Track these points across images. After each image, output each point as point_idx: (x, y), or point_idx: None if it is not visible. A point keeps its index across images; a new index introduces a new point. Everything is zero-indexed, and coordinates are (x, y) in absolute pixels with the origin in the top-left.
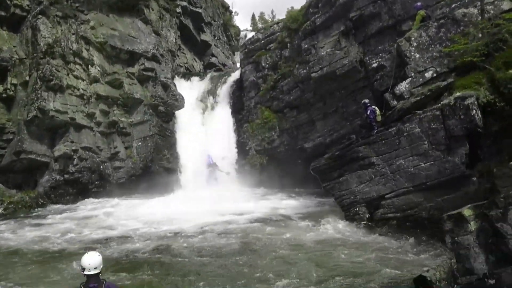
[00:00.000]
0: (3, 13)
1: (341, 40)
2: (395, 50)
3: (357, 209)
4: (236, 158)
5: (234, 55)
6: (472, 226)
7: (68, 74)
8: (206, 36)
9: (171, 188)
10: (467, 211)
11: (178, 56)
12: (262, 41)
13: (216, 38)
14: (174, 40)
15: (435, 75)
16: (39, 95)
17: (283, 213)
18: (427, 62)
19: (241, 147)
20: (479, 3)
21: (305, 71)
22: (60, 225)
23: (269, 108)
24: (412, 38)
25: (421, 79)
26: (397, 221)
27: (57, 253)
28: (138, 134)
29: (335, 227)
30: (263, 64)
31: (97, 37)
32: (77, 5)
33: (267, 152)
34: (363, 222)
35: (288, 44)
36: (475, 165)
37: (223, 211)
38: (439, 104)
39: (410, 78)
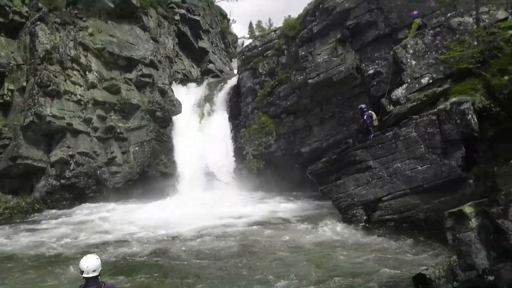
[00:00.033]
0: (1, 20)
1: (338, 47)
2: (391, 57)
3: (354, 211)
4: (234, 166)
5: (232, 61)
6: (473, 223)
7: (65, 80)
8: (203, 43)
9: (168, 192)
10: (468, 209)
11: (175, 62)
12: (260, 48)
13: (213, 45)
14: (172, 47)
15: (431, 81)
16: (36, 101)
17: (282, 216)
18: (423, 68)
19: (238, 152)
20: (474, 13)
21: (302, 77)
22: (55, 230)
23: (266, 113)
24: (409, 46)
25: (417, 85)
26: (395, 222)
27: (53, 257)
28: (135, 139)
29: (333, 229)
30: (260, 71)
31: (95, 44)
32: (76, 12)
33: (264, 157)
34: (361, 224)
35: (285, 51)
36: (471, 168)
37: (221, 215)
38: (435, 109)
39: (406, 84)
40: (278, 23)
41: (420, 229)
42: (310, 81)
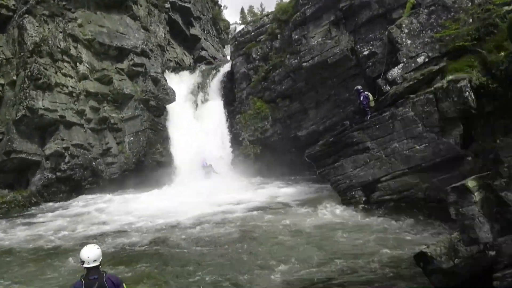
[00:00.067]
0: None
1: (332, 29)
2: (386, 37)
3: (353, 193)
4: (232, 157)
5: (224, 48)
6: (476, 196)
7: (56, 72)
8: (195, 30)
9: (165, 181)
10: (470, 182)
11: (167, 50)
12: (252, 33)
13: (205, 32)
14: (163, 35)
15: (427, 60)
16: (27, 94)
17: (281, 200)
18: (418, 47)
19: (235, 138)
20: None
21: (296, 61)
22: (52, 223)
23: (261, 98)
24: (403, 25)
25: (413, 64)
26: (394, 203)
27: (51, 250)
28: (129, 129)
29: (333, 212)
30: (254, 56)
31: (85, 35)
32: (64, 3)
33: (261, 142)
34: (360, 206)
35: (279, 35)
36: (469, 145)
37: (220, 202)
38: (432, 88)
39: (402, 64)
40: (270, 8)
41: (420, 208)
42: (304, 64)
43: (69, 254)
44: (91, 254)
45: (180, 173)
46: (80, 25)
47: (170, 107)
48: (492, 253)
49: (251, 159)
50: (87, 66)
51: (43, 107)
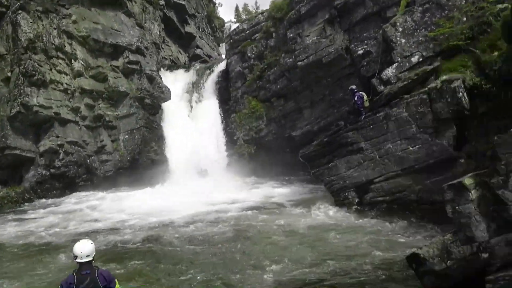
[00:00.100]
0: None
1: (326, 28)
2: (380, 36)
3: (346, 194)
4: (227, 162)
5: (219, 46)
6: (473, 194)
7: (51, 69)
8: (190, 28)
9: (159, 180)
10: (467, 180)
11: (162, 48)
12: (247, 32)
13: (200, 30)
14: (158, 33)
15: (421, 59)
16: (22, 91)
17: (276, 200)
18: (413, 46)
19: (229, 137)
20: None
21: (291, 60)
22: (43, 219)
23: (256, 97)
24: (398, 24)
25: (407, 64)
26: (387, 204)
27: (43, 246)
28: (124, 127)
29: (327, 213)
30: (249, 54)
31: (80, 31)
32: None
33: (255, 141)
34: (353, 207)
35: (274, 34)
36: (462, 147)
37: (214, 201)
38: (426, 88)
39: (396, 63)
40: (265, 6)
41: (412, 210)
42: (299, 63)
43: (60, 251)
44: (84, 249)
45: (174, 172)
46: (74, 22)
47: (165, 105)
48: (485, 255)
49: (246, 159)
50: (82, 63)
51: (37, 104)
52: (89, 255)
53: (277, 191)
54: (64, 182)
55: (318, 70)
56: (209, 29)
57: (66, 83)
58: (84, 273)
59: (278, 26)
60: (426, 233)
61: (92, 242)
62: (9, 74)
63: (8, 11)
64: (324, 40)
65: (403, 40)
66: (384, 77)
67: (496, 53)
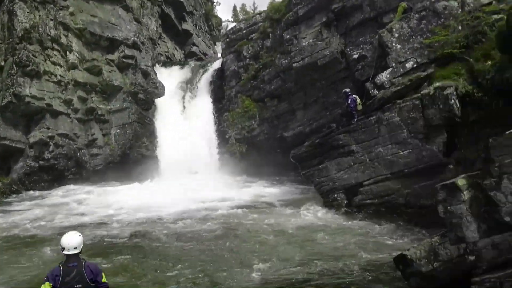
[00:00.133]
0: None
1: (323, 31)
2: (376, 40)
3: (335, 195)
4: (218, 159)
5: (215, 45)
6: (465, 195)
7: (45, 60)
8: (187, 25)
9: (149, 175)
10: (460, 181)
11: (159, 44)
12: (244, 31)
13: (197, 27)
14: (155, 28)
15: (415, 65)
16: (14, 81)
17: (266, 200)
18: (408, 53)
19: (221, 135)
20: None
21: (286, 61)
22: (29, 212)
23: (250, 97)
24: (394, 29)
25: (401, 69)
26: (375, 207)
27: (27, 239)
28: (116, 121)
29: (316, 214)
30: (245, 54)
31: (76, 24)
32: None
33: (247, 141)
34: (342, 209)
35: (270, 34)
36: (452, 153)
37: (204, 198)
38: (419, 94)
39: (391, 68)
40: (263, 7)
41: (400, 213)
42: (294, 65)
43: (45, 244)
44: (72, 241)
45: (164, 168)
46: (71, 14)
47: (158, 101)
48: (472, 257)
49: (237, 158)
50: (77, 55)
51: (30, 95)
52: (76, 248)
53: (268, 191)
54: (53, 175)
55: (313, 72)
56: (206, 27)
57: (59, 75)
58: (70, 266)
59: (275, 27)
60: (413, 236)
61: (80, 234)
62: (2, 63)
63: (5, 0)
64: (320, 43)
65: (399, 46)
66: (378, 81)
67: (489, 63)
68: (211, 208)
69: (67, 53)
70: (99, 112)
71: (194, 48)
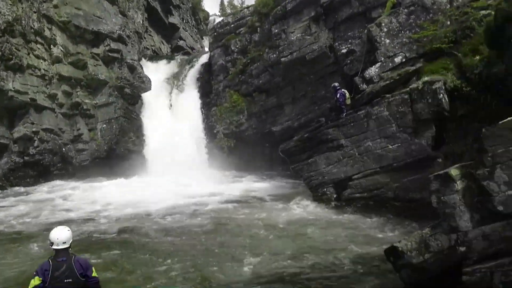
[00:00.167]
0: None
1: (311, 25)
2: (365, 35)
3: (325, 189)
4: (207, 154)
5: (203, 39)
6: (459, 185)
7: (28, 54)
8: (174, 19)
9: (136, 171)
10: (454, 171)
11: (145, 38)
12: (232, 25)
13: (184, 21)
14: (141, 22)
15: (404, 60)
16: None
17: (256, 195)
18: (396, 47)
19: (209, 130)
20: None
21: (274, 55)
22: (14, 208)
23: (238, 91)
24: (383, 24)
25: (390, 64)
26: (364, 201)
27: (13, 235)
28: (102, 116)
29: (306, 208)
30: (233, 48)
31: (60, 16)
32: None
33: (235, 135)
34: (332, 203)
35: (258, 29)
36: (440, 147)
37: (193, 193)
38: (408, 88)
39: (379, 63)
40: (250, 1)
41: (389, 207)
42: (283, 59)
43: (32, 240)
44: (61, 235)
45: (152, 163)
46: (55, 6)
47: (145, 96)
48: (463, 248)
49: (225, 152)
50: (61, 49)
51: (13, 89)
52: (65, 242)
53: (258, 185)
54: (38, 170)
55: (301, 67)
56: (193, 21)
57: (44, 69)
58: (60, 260)
59: (263, 21)
60: (403, 229)
61: (69, 229)
62: None
63: None
64: (308, 37)
65: (387, 41)
66: (367, 76)
67: (477, 58)
68: (201, 203)
69: (51, 46)
70: (85, 107)
71: (181, 42)
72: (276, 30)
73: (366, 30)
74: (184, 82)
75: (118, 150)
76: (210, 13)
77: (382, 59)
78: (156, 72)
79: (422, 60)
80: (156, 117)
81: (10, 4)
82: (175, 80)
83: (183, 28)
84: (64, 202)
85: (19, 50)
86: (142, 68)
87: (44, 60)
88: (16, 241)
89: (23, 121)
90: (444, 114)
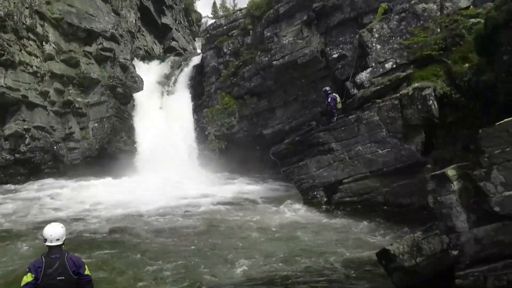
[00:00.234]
0: None
1: (304, 29)
2: (357, 40)
3: (315, 193)
4: (198, 156)
5: (195, 40)
6: (455, 185)
7: (20, 50)
8: (167, 20)
9: (127, 170)
10: (450, 171)
11: (137, 38)
12: (225, 27)
13: (177, 22)
14: (134, 21)
15: (394, 66)
16: None
17: (248, 197)
18: (387, 53)
19: (201, 132)
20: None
21: (266, 58)
22: (2, 206)
23: (230, 94)
24: (374, 30)
25: (381, 70)
26: (354, 204)
27: (2, 233)
28: (94, 115)
29: (298, 211)
30: (225, 50)
31: (53, 13)
32: None
33: (226, 137)
34: (323, 206)
35: (251, 31)
36: (430, 153)
37: (185, 195)
38: (398, 94)
39: (370, 68)
40: (243, 3)
41: (379, 211)
42: (274, 62)
43: (21, 239)
44: (54, 232)
45: (143, 163)
46: (48, 3)
47: (137, 95)
48: (455, 252)
49: (216, 154)
50: (54, 46)
51: (4, 85)
52: (59, 239)
53: (250, 188)
54: (29, 168)
55: (293, 71)
56: (186, 22)
57: (36, 66)
58: (53, 257)
59: (256, 24)
60: (393, 234)
61: (62, 226)
62: None
63: None
64: (300, 41)
65: (379, 46)
66: (358, 81)
67: (467, 65)
68: (193, 205)
69: (44, 43)
70: (76, 105)
71: (173, 43)
72: (269, 33)
73: (357, 36)
74: (176, 83)
75: (110, 149)
76: (203, 15)
77: (373, 64)
78: (149, 72)
79: (412, 67)
80: (148, 117)
81: (2, 0)
82: (167, 81)
83: (175, 29)
84: (52, 201)
85: (11, 46)
86: (134, 68)
87: (36, 57)
88: (5, 239)
89: (15, 118)
90: (434, 120)
